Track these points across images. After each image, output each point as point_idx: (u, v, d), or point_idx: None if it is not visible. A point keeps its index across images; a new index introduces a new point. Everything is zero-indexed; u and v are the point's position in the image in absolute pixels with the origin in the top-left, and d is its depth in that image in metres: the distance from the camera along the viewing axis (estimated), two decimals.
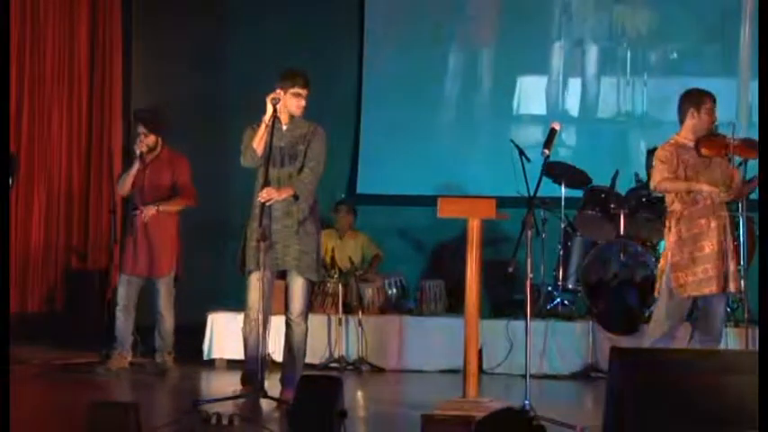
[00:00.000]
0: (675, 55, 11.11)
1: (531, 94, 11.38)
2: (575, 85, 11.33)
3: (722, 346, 8.71)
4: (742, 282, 7.72)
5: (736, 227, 9.47)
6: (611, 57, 11.24)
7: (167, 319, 9.18)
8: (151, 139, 9.17)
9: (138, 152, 9.13)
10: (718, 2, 11.02)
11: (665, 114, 10.48)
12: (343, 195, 11.06)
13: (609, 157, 10.38)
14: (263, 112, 7.66)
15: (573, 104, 11.31)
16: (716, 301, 7.65)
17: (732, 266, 7.56)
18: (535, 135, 10.81)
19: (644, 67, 11.18)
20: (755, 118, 10.64)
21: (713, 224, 7.58)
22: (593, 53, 11.26)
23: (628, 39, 11.18)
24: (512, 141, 9.63)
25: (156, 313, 9.19)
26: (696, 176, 7.61)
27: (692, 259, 7.57)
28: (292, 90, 7.73)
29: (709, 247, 7.58)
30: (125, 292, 9.17)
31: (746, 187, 7.80)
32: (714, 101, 7.64)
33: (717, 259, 7.56)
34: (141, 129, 9.17)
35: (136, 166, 9.14)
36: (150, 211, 9.07)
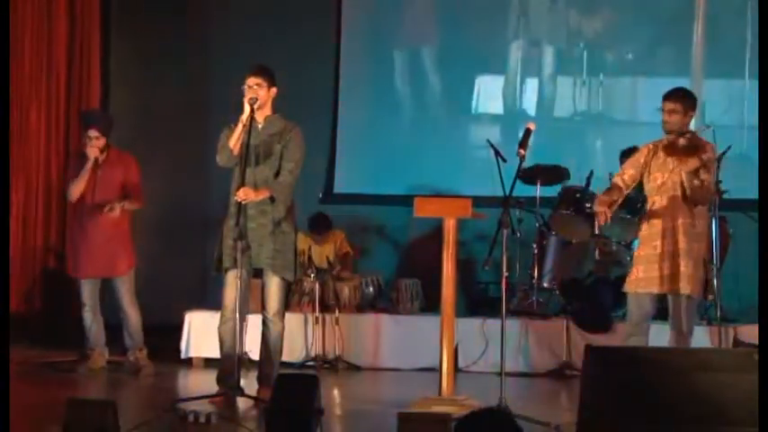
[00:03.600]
0: (630, 56, 11.20)
1: (488, 93, 11.46)
2: (532, 84, 11.40)
3: (695, 344, 8.83)
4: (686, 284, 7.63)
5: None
6: (567, 57, 11.31)
7: (133, 316, 9.14)
8: (102, 141, 9.04)
9: (92, 157, 8.99)
10: (672, 3, 11.11)
11: (620, 114, 10.61)
12: (320, 195, 11.09)
13: (565, 157, 10.45)
14: (242, 111, 7.68)
15: (530, 104, 11.38)
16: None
17: (681, 268, 7.58)
18: (493, 134, 10.89)
19: (600, 68, 11.26)
20: (709, 117, 10.73)
21: (665, 225, 7.65)
22: (549, 53, 11.34)
23: (584, 39, 11.26)
24: (488, 141, 9.69)
25: (120, 312, 9.17)
26: (649, 174, 7.73)
27: (644, 257, 7.69)
28: (247, 83, 7.74)
29: (658, 247, 7.66)
30: (88, 293, 9.13)
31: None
32: (665, 99, 7.65)
33: (660, 261, 7.64)
34: (94, 132, 9.01)
35: (88, 169, 9.00)
36: (117, 210, 8.93)
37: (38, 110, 11.12)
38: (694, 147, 7.56)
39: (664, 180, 7.64)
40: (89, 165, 9.01)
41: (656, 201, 7.70)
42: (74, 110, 11.34)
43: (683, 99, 7.64)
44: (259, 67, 7.82)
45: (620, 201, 7.80)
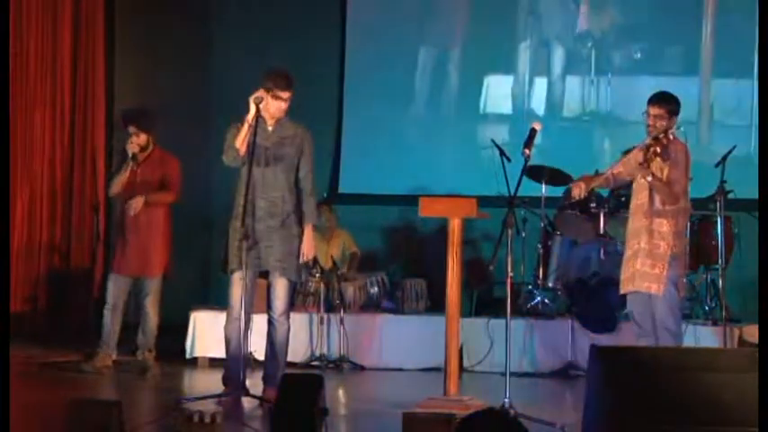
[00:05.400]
0: (639, 55, 11.21)
1: (497, 93, 11.46)
2: (540, 84, 11.40)
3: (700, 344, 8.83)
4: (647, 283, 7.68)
5: (713, 226, 9.58)
6: (576, 56, 11.32)
7: (152, 318, 9.16)
8: (143, 138, 9.08)
9: (130, 153, 9.04)
10: (681, 2, 11.11)
11: (629, 113, 10.60)
12: (325, 194, 11.10)
13: (574, 156, 10.46)
14: (247, 110, 7.67)
15: (539, 104, 11.39)
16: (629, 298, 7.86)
17: (637, 267, 7.69)
18: (502, 134, 10.89)
19: (608, 67, 11.26)
20: (717, 116, 10.78)
21: (635, 225, 7.77)
22: (558, 53, 11.36)
23: (592, 39, 11.26)
24: (492, 141, 9.69)
25: (141, 310, 9.18)
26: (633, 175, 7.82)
27: (625, 258, 7.85)
28: (273, 92, 7.74)
29: (632, 247, 7.77)
30: (114, 290, 9.14)
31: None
32: (651, 104, 7.71)
33: (628, 261, 7.78)
34: (133, 129, 9.07)
35: (129, 167, 9.07)
36: (138, 201, 8.98)
37: (42, 109, 11.14)
38: (663, 147, 7.63)
39: (639, 181, 7.73)
40: (127, 163, 9.06)
41: (634, 201, 7.84)
42: (78, 110, 11.36)
43: (667, 104, 7.71)
44: (290, 79, 7.79)
45: (598, 186, 7.92)
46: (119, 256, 9.16)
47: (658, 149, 7.52)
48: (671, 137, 7.63)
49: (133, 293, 9.24)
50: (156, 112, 9.55)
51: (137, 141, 9.07)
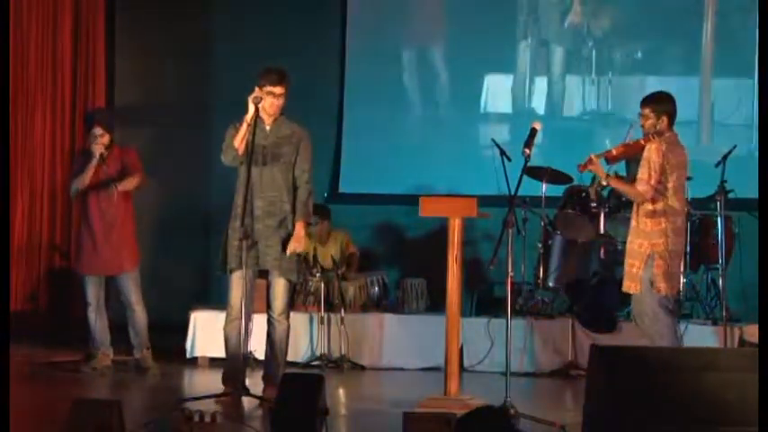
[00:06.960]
0: (639, 54, 11.21)
1: (497, 92, 11.47)
2: (541, 83, 11.41)
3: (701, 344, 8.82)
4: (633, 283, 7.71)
5: (713, 226, 9.57)
6: (576, 56, 11.32)
7: (140, 314, 9.15)
8: (106, 138, 9.11)
9: (97, 154, 9.06)
10: (681, 1, 11.12)
11: (629, 113, 10.57)
12: (325, 194, 11.09)
13: (574, 156, 10.44)
14: (246, 111, 7.68)
15: (539, 103, 11.39)
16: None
17: (626, 267, 7.75)
18: (502, 133, 10.90)
19: (609, 66, 11.27)
20: (717, 116, 10.78)
21: (631, 224, 7.83)
22: (558, 52, 11.36)
23: (592, 38, 11.26)
24: (492, 140, 9.69)
25: (127, 309, 9.18)
26: None
27: None
28: (266, 89, 7.75)
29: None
30: (93, 291, 9.14)
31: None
32: (641, 105, 7.77)
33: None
34: (98, 130, 9.10)
35: (94, 165, 9.04)
36: (113, 192, 8.99)
37: (43, 109, 11.14)
38: (640, 147, 7.68)
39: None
40: (94, 161, 9.05)
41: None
42: (79, 108, 11.35)
43: (653, 104, 7.75)
44: (282, 74, 7.80)
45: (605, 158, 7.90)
46: (88, 257, 9.14)
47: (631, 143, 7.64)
48: (652, 136, 7.66)
49: (114, 295, 9.23)
50: (115, 113, 9.52)
51: (101, 141, 9.10)
